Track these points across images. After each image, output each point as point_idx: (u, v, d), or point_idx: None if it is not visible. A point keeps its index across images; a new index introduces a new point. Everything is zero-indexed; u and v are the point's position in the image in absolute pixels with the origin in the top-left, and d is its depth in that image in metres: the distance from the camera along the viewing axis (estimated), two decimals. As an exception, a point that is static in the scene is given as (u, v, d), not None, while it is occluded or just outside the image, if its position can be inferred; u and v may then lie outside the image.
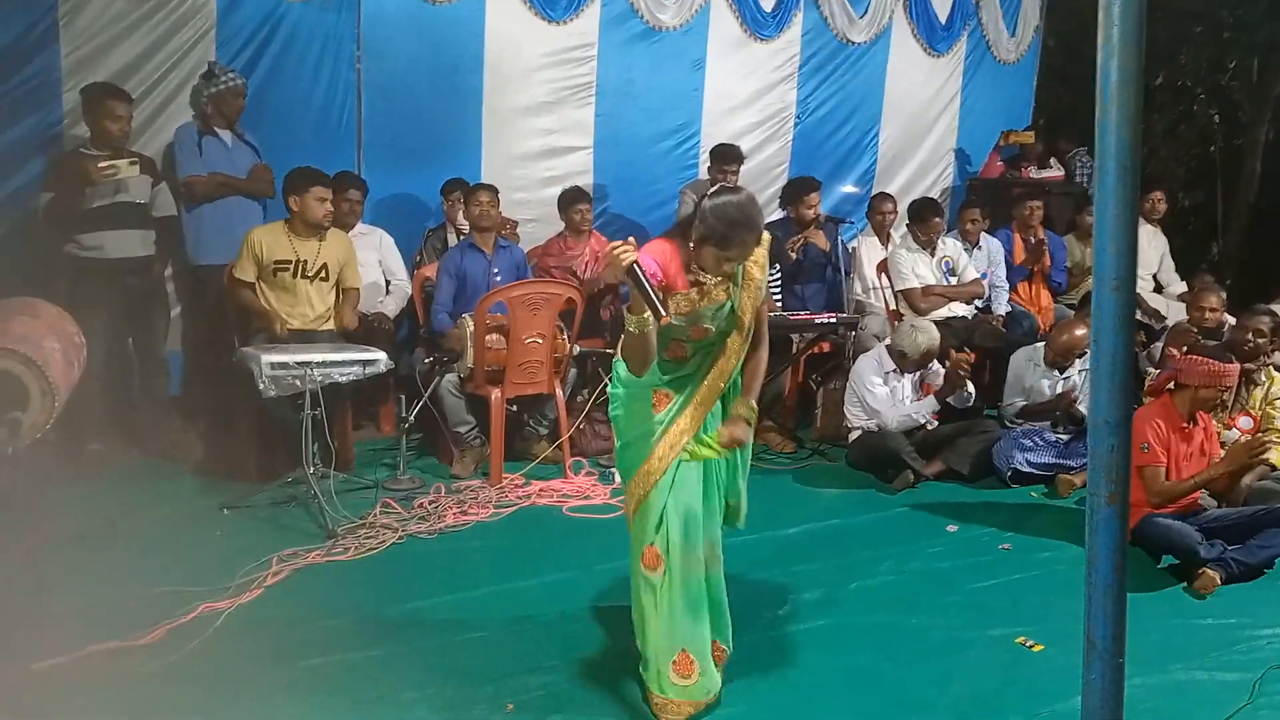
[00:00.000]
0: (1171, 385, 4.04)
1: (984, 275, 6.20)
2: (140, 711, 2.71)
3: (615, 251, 2.42)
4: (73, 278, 4.55)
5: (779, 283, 5.78)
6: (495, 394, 4.72)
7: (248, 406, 4.48)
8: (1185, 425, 3.97)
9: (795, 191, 5.91)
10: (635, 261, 2.41)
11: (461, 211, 5.47)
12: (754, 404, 2.77)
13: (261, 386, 4.03)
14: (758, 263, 2.68)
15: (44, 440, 3.29)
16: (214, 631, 3.13)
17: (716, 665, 2.82)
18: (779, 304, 5.70)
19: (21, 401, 3.02)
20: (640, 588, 2.75)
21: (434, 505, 4.35)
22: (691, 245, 2.58)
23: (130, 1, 4.94)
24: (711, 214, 2.50)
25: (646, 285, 2.42)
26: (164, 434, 4.89)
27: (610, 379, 2.88)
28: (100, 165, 4.32)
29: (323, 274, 4.70)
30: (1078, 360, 5.08)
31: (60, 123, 4.88)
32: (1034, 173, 7.52)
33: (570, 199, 5.70)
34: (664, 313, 2.45)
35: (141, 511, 4.12)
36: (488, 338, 4.71)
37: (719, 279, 2.62)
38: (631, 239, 2.47)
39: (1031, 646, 3.24)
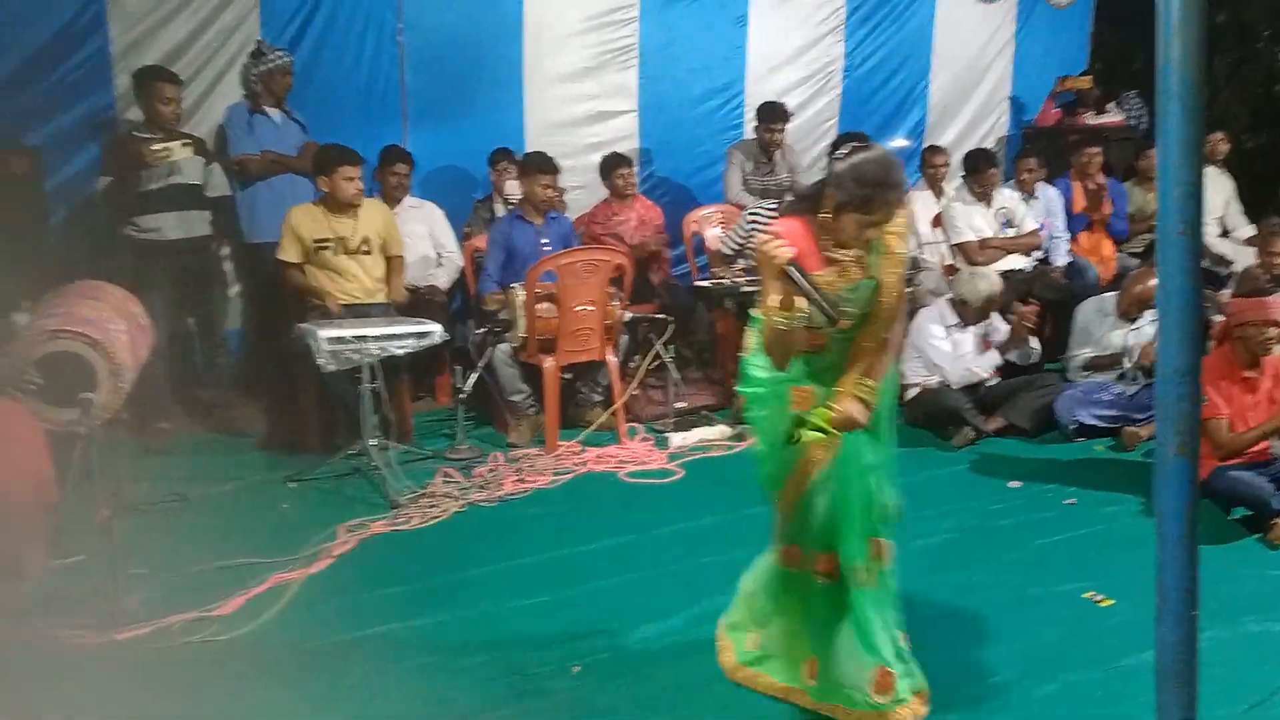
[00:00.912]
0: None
1: (1042, 226, 6.06)
2: (220, 679, 2.80)
3: (765, 249, 2.21)
4: (133, 259, 4.66)
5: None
6: (549, 362, 4.75)
7: (308, 381, 4.57)
8: (1248, 374, 3.82)
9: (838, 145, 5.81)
10: (793, 260, 2.18)
11: (509, 182, 5.47)
12: (872, 384, 2.42)
13: (320, 361, 4.10)
14: (898, 232, 2.38)
15: (115, 419, 3.41)
16: (287, 601, 3.22)
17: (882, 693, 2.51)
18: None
19: (90, 383, 3.12)
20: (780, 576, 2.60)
21: (493, 474, 4.40)
22: (826, 217, 2.33)
23: (176, -18, 5.00)
24: (850, 177, 2.26)
25: (810, 287, 2.18)
26: (227, 410, 5.00)
27: (740, 378, 2.61)
28: (154, 148, 4.40)
29: (365, 247, 4.73)
30: (1149, 311, 4.95)
31: (113, 107, 4.97)
32: (1091, 118, 7.30)
33: (612, 164, 5.68)
34: (836, 316, 2.19)
35: (210, 485, 4.22)
36: (539, 306, 4.72)
37: (855, 255, 2.37)
38: (779, 231, 2.23)
39: (1100, 601, 3.19)
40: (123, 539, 3.14)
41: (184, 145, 4.48)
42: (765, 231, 2.24)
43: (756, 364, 2.51)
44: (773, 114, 5.97)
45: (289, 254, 4.66)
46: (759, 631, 2.72)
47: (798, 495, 2.51)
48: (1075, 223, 6.30)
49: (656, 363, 5.06)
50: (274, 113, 5.09)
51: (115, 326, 3.32)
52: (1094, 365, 5.05)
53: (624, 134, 6.21)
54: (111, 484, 3.42)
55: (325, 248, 4.66)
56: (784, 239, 2.22)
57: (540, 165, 5.14)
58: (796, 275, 2.20)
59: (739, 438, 4.71)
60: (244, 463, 4.58)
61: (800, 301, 2.24)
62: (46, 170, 4.77)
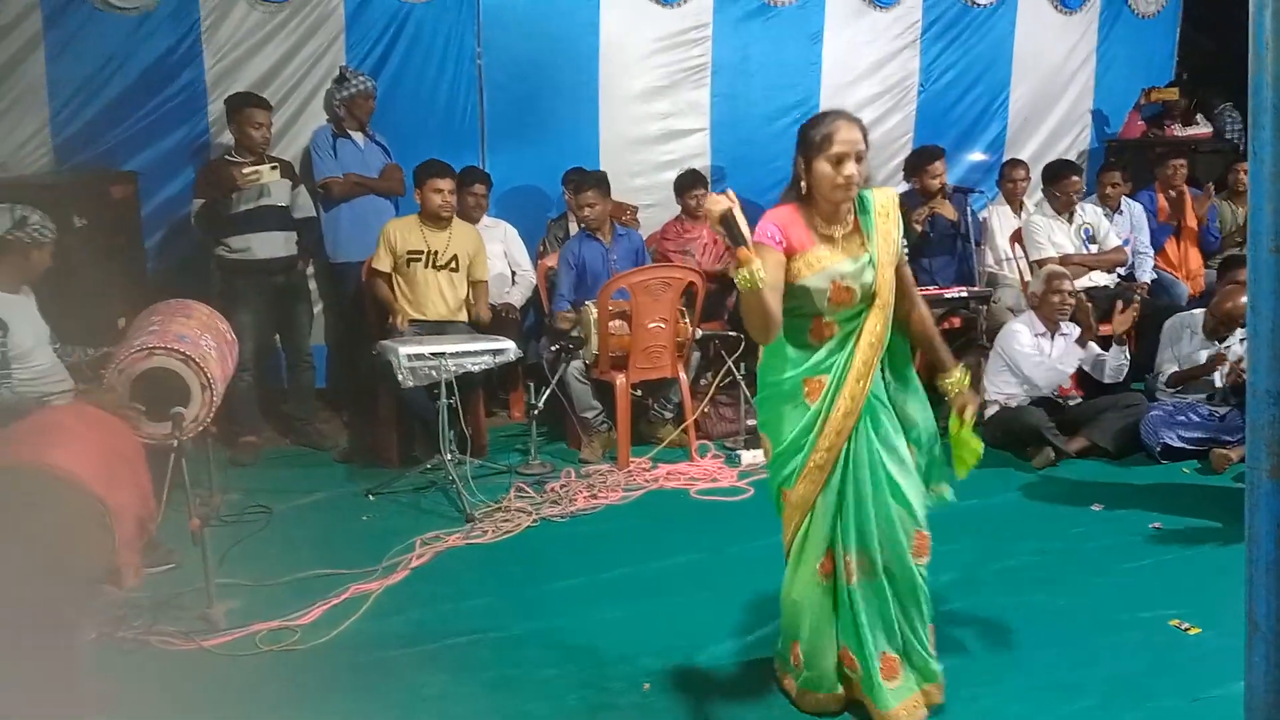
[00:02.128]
0: None
1: (1126, 242, 5.90)
2: (302, 687, 2.88)
3: (706, 203, 2.49)
4: (223, 278, 4.84)
5: (906, 258, 5.63)
6: (620, 379, 4.78)
7: (387, 396, 4.68)
8: None
9: (919, 161, 5.76)
10: (729, 209, 2.32)
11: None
12: (955, 363, 2.69)
13: (400, 377, 4.21)
14: (889, 216, 2.55)
15: (204, 432, 3.54)
16: (365, 611, 3.29)
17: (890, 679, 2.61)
18: (907, 279, 5.56)
19: (183, 397, 3.25)
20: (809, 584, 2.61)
21: (565, 489, 4.44)
22: (804, 187, 2.49)
23: (265, 12, 5.20)
24: (799, 133, 2.52)
25: (734, 223, 2.32)
26: (311, 424, 5.15)
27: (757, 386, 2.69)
28: (245, 171, 4.56)
29: (452, 264, 4.88)
30: (1239, 329, 4.78)
31: (206, 132, 5.19)
32: (1179, 131, 7.09)
33: (685, 184, 5.70)
34: (747, 240, 2.32)
35: (293, 497, 4.35)
36: (611, 324, 4.77)
37: (849, 230, 2.51)
38: (730, 191, 2.39)
39: (1187, 629, 3.09)
40: (210, 549, 3.26)
41: (273, 168, 4.64)
42: (720, 194, 2.38)
43: (767, 367, 2.59)
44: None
45: (381, 263, 4.84)
46: (796, 644, 2.68)
47: (815, 494, 2.54)
48: (1160, 233, 6.13)
49: (728, 380, 5.06)
50: (357, 136, 5.25)
51: (205, 343, 3.46)
52: (1180, 379, 4.89)
53: (696, 152, 6.23)
54: (201, 495, 3.55)
55: (416, 259, 4.83)
56: (730, 198, 2.36)
57: (578, 183, 5.22)
58: (731, 219, 2.31)
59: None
60: (326, 476, 4.70)
61: (755, 266, 2.30)
62: (144, 194, 4.99)
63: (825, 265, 2.47)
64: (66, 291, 3.81)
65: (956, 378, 2.67)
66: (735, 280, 2.35)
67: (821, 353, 2.53)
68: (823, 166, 2.44)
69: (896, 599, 2.60)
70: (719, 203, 2.33)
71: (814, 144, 2.45)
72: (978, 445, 2.66)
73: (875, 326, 2.52)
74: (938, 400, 2.75)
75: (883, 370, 2.62)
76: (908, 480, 2.58)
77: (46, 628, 2.41)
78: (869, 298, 2.52)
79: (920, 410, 2.69)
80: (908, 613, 2.62)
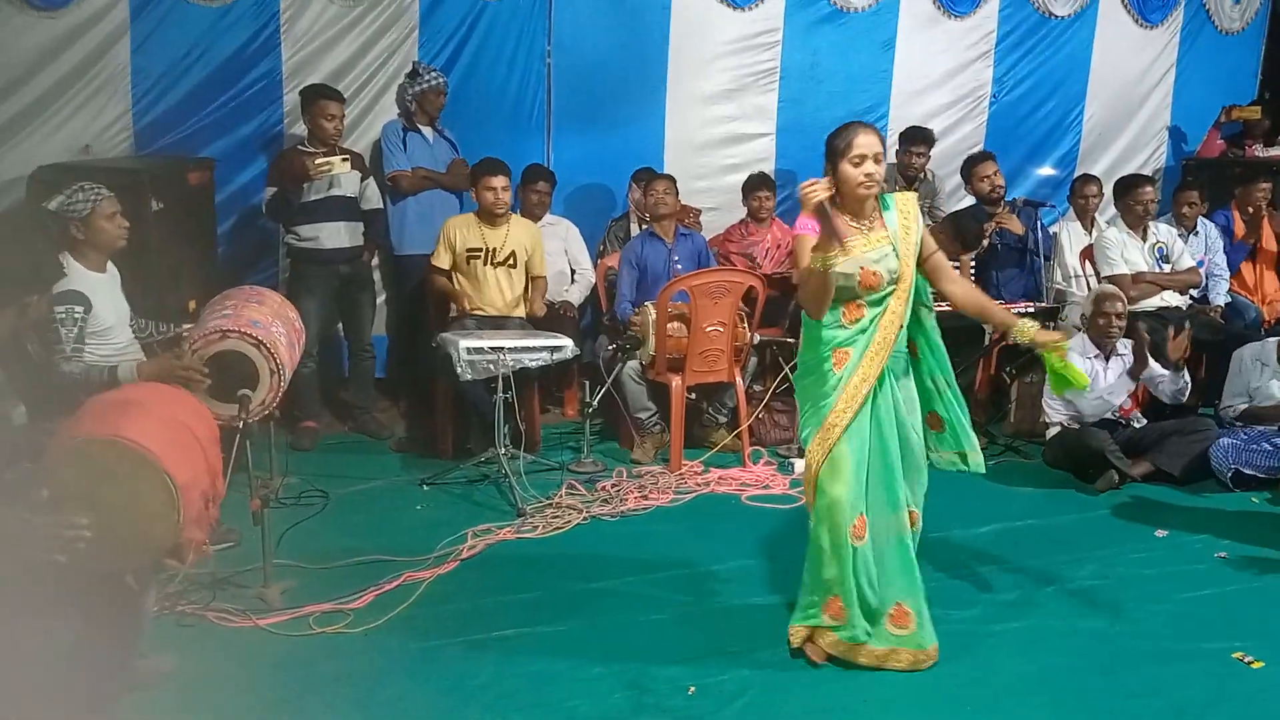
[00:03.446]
0: None
1: (1200, 263, 5.74)
2: (351, 669, 2.93)
3: (805, 190, 2.74)
4: (291, 266, 4.94)
5: (974, 271, 5.56)
6: (676, 381, 4.78)
7: (445, 389, 4.73)
8: None
9: (967, 166, 5.80)
10: (825, 200, 2.69)
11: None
12: (1014, 317, 3.04)
13: (459, 370, 4.25)
14: (909, 214, 2.94)
15: (269, 416, 3.61)
16: (415, 599, 3.34)
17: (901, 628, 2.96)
18: (973, 292, 5.49)
19: (252, 381, 3.32)
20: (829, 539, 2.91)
21: (616, 488, 4.45)
22: (833, 191, 2.81)
23: (342, 6, 5.29)
24: (826, 143, 2.91)
25: (827, 211, 2.68)
26: (370, 413, 5.23)
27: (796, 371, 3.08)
28: (317, 162, 4.65)
29: (510, 260, 4.90)
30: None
31: (281, 122, 5.29)
32: (1260, 151, 6.88)
33: (753, 185, 5.70)
34: (837, 230, 2.69)
35: (350, 484, 4.42)
36: (669, 326, 4.77)
37: (873, 225, 2.89)
38: (826, 179, 2.80)
39: (1250, 663, 3.00)
40: (270, 530, 3.33)
41: (344, 160, 4.72)
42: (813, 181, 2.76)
43: (806, 345, 3.00)
44: (915, 138, 5.88)
45: (441, 260, 4.89)
46: (832, 599, 2.96)
47: (827, 449, 2.89)
48: (1235, 252, 5.95)
49: (784, 386, 5.03)
50: (427, 131, 5.31)
51: (276, 330, 3.53)
52: (1253, 416, 4.74)
53: (762, 156, 6.20)
54: (262, 477, 3.63)
55: (475, 256, 4.87)
56: (825, 186, 2.76)
57: (650, 179, 5.31)
58: (827, 209, 2.68)
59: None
60: (382, 464, 4.77)
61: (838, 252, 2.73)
62: (219, 181, 5.11)
63: (854, 253, 2.83)
64: (140, 272, 3.90)
65: (1024, 326, 2.98)
66: (812, 262, 2.72)
67: (851, 330, 2.91)
68: (847, 169, 2.85)
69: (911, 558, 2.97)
70: (817, 192, 2.72)
71: (839, 150, 2.86)
72: (1079, 373, 2.98)
73: (897, 307, 2.90)
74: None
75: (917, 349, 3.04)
76: (910, 458, 2.96)
77: (112, 598, 2.47)
78: (894, 282, 2.89)
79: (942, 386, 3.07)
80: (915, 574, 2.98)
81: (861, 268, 2.84)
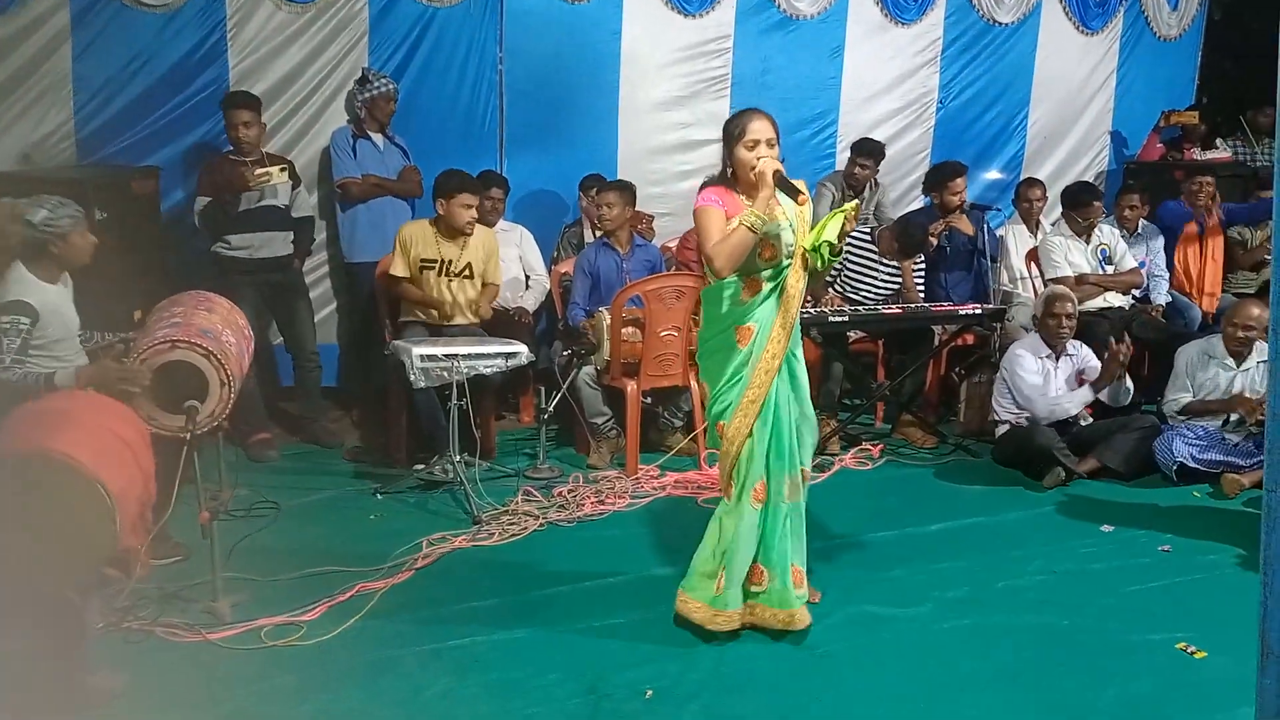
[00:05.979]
0: None
1: (1142, 264, 5.88)
2: (304, 682, 2.89)
3: (764, 165, 2.95)
4: (220, 275, 4.80)
5: (922, 273, 5.63)
6: (631, 386, 4.79)
7: (398, 397, 4.69)
8: None
9: (940, 177, 5.72)
10: (780, 168, 2.96)
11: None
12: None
13: (413, 378, 4.22)
14: (801, 216, 3.13)
15: (217, 427, 3.55)
16: (370, 609, 3.30)
17: (799, 587, 3.17)
18: (922, 294, 5.56)
19: (201, 392, 3.25)
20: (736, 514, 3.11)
21: (572, 494, 4.44)
22: (730, 171, 3.09)
23: (290, 12, 5.22)
24: (723, 129, 3.13)
25: (786, 179, 2.97)
26: (318, 422, 5.15)
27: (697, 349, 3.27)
28: (257, 173, 4.58)
29: (467, 272, 4.84)
30: (1254, 353, 4.74)
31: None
32: (1198, 154, 7.06)
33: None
34: (799, 192, 3.03)
35: (301, 494, 4.36)
36: (624, 331, 4.77)
37: (768, 204, 3.00)
38: (776, 152, 3.03)
39: (1194, 653, 3.07)
40: (218, 543, 3.27)
41: (281, 170, 4.67)
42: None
43: (706, 326, 3.17)
44: (864, 150, 5.96)
45: (398, 269, 4.79)
46: (720, 570, 3.12)
47: (747, 427, 3.04)
48: (1181, 220, 6.16)
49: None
50: (377, 138, 5.27)
51: (226, 338, 3.47)
52: (1194, 411, 4.85)
53: (714, 162, 6.12)
54: (211, 489, 3.56)
55: (429, 267, 4.78)
56: (774, 160, 2.99)
57: (599, 187, 5.30)
58: (785, 179, 2.96)
59: (817, 469, 4.66)
60: (334, 474, 4.71)
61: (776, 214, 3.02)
62: (164, 190, 5.01)
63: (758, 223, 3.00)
64: (85, 283, 3.82)
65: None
66: (751, 226, 2.92)
67: (749, 306, 3.06)
68: (741, 153, 3.04)
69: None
70: (772, 164, 2.96)
71: (733, 135, 3.06)
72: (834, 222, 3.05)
73: (796, 281, 3.08)
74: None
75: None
76: (805, 425, 3.18)
77: (52, 615, 2.41)
78: (789, 255, 3.07)
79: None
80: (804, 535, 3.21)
81: (766, 233, 3.00)
